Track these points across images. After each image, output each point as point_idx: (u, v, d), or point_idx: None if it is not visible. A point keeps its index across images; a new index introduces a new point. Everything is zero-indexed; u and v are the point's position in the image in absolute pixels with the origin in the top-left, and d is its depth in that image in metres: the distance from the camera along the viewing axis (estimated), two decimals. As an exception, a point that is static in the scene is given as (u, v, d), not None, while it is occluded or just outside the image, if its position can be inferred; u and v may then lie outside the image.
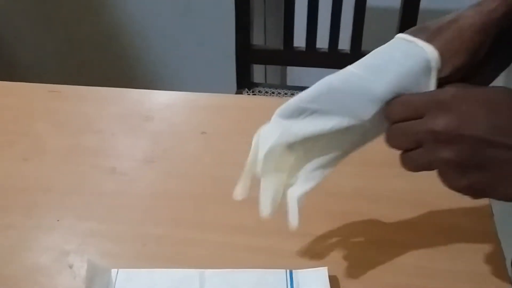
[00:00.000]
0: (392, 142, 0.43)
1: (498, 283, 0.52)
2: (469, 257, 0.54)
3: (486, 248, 0.55)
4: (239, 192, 0.50)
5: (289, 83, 1.62)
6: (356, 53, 1.18)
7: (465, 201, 0.59)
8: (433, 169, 0.42)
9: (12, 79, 0.78)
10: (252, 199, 0.61)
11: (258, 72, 1.50)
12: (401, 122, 0.42)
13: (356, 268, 0.53)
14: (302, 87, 1.28)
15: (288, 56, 1.22)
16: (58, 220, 0.59)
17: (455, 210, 0.58)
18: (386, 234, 0.56)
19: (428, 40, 0.43)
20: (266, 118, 0.73)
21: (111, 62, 1.69)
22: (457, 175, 0.40)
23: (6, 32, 1.67)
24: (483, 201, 0.59)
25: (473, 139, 0.38)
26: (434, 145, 0.40)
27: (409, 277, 0.53)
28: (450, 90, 0.40)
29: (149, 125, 0.71)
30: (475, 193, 0.41)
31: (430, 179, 0.61)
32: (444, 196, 0.60)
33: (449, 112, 0.39)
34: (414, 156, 0.42)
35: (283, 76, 1.62)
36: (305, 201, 0.48)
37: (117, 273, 0.53)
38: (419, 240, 0.56)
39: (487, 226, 0.57)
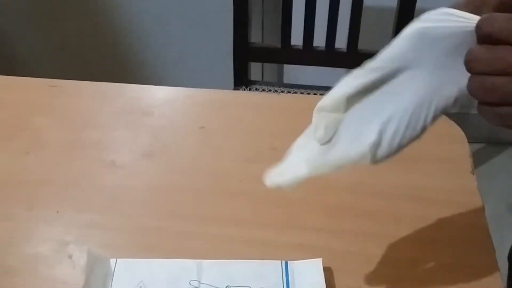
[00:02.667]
0: (477, 59, 0.38)
1: (488, 275, 0.53)
2: (461, 250, 0.55)
3: (477, 241, 0.56)
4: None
5: (286, 81, 1.64)
6: (353, 52, 1.19)
7: (459, 196, 0.61)
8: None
9: (12, 74, 0.79)
10: (249, 193, 0.62)
11: (255, 70, 1.51)
12: (494, 43, 0.37)
13: (350, 260, 0.55)
14: (299, 85, 1.30)
15: (285, 54, 1.23)
16: (58, 212, 0.60)
17: (449, 204, 0.60)
18: (380, 227, 0.58)
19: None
20: (264, 114, 0.74)
21: (111, 58, 1.70)
22: None
23: (7, 27, 1.67)
24: (475, 197, 0.60)
25: None
26: None
27: (402, 270, 0.54)
28: None
29: (148, 120, 0.72)
30: None
31: (425, 173, 0.63)
32: (438, 190, 0.62)
33: None
34: (497, 82, 0.37)
35: (280, 74, 1.63)
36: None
37: (115, 262, 0.54)
38: (413, 233, 0.57)
39: (479, 220, 0.58)
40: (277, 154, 0.52)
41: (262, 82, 1.31)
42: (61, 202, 0.61)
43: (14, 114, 0.74)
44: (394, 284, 0.53)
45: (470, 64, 0.38)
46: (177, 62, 1.66)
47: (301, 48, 1.21)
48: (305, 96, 1.20)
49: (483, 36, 0.38)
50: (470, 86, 0.39)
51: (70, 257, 0.56)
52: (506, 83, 0.36)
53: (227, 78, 1.27)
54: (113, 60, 1.70)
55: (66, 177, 0.65)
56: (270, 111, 0.74)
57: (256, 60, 1.29)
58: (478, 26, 0.38)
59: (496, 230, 0.59)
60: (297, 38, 1.20)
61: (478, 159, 1.58)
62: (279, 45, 1.21)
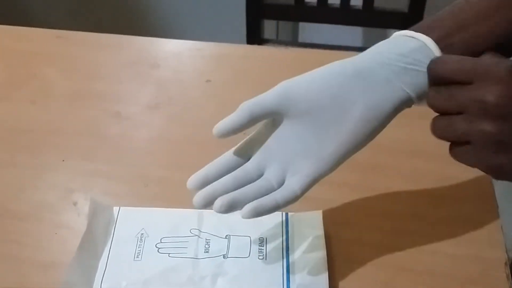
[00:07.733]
0: (434, 101, 0.40)
1: (490, 225, 0.53)
2: (463, 204, 0.55)
3: (480, 195, 0.56)
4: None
5: (300, 40, 1.61)
6: (369, 9, 1.16)
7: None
8: (464, 140, 0.39)
9: (21, 24, 0.79)
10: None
11: (269, 28, 1.49)
12: (446, 83, 0.39)
13: (350, 213, 0.55)
14: (313, 44, 1.28)
15: (299, 11, 1.21)
16: (63, 161, 0.61)
17: (453, 159, 0.59)
18: (381, 181, 0.58)
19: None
20: (273, 68, 0.73)
21: (122, 11, 1.69)
22: (490, 153, 0.38)
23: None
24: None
25: None
26: (478, 115, 0.37)
27: (402, 222, 0.54)
28: (503, 63, 0.37)
29: (155, 72, 0.72)
30: (500, 174, 0.39)
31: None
32: (443, 146, 0.61)
33: (503, 86, 0.36)
34: (452, 121, 0.39)
35: (295, 33, 1.60)
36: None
37: (118, 210, 0.54)
38: (415, 187, 0.57)
39: (482, 175, 0.57)
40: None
41: (276, 41, 1.29)
42: (66, 151, 0.62)
43: (21, 63, 0.74)
44: (393, 236, 0.53)
45: (429, 105, 0.40)
46: (188, 20, 1.65)
47: (315, 5, 1.18)
48: (316, 50, 1.18)
49: (436, 77, 0.40)
50: (431, 126, 0.41)
51: (75, 204, 0.57)
52: (461, 121, 0.38)
53: (239, 36, 1.25)
54: (124, 15, 1.69)
55: (72, 127, 0.65)
56: (279, 65, 0.73)
57: (269, 17, 1.27)
58: (430, 68, 0.40)
59: (506, 196, 0.58)
60: (311, -5, 1.17)
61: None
62: (293, 2, 1.19)
